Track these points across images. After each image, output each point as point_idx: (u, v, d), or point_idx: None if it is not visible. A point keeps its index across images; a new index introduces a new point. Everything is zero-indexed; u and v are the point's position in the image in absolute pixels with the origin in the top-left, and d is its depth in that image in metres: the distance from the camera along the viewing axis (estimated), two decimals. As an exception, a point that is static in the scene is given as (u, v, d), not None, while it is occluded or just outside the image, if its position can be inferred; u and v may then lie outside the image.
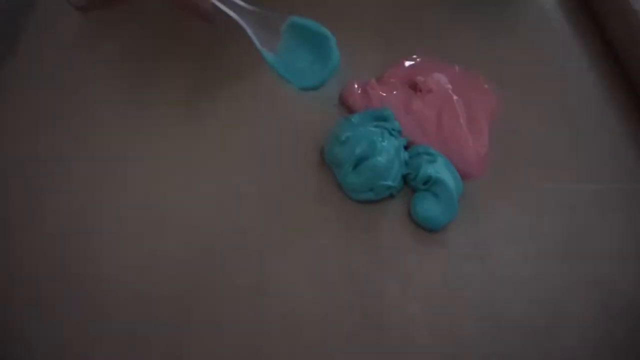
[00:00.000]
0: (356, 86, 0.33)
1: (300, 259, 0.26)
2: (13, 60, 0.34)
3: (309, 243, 0.27)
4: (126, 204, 0.28)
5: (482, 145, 0.30)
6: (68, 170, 0.29)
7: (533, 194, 0.29)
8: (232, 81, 0.33)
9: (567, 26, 0.37)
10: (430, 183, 0.28)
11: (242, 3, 0.26)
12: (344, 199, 0.29)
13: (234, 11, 0.26)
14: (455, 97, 0.32)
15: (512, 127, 0.32)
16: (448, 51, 0.35)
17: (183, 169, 0.29)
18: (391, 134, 0.30)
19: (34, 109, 0.32)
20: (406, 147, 0.30)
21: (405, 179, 0.29)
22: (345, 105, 0.32)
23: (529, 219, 0.28)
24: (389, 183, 0.28)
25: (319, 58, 0.28)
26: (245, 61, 0.34)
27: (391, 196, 0.29)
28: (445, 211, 0.28)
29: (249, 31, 0.26)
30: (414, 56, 0.35)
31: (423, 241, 0.27)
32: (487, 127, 0.31)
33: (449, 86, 0.33)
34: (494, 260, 0.27)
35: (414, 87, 0.33)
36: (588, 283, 0.26)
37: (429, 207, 0.28)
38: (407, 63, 0.34)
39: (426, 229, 0.28)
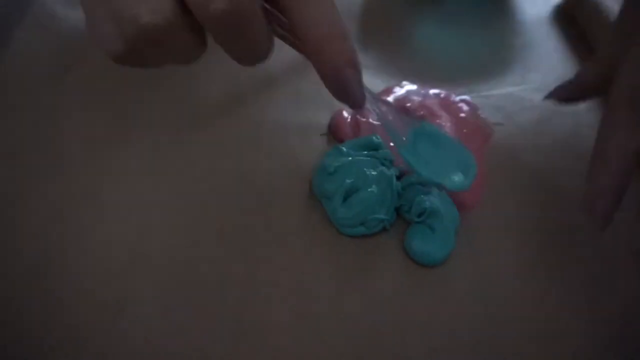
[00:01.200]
0: (346, 114, 0.32)
1: (287, 299, 0.25)
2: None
3: (296, 281, 0.25)
4: (101, 238, 0.26)
5: (478, 175, 0.29)
6: (42, 198, 0.27)
7: (533, 223, 0.28)
8: (217, 111, 0.32)
9: (558, 49, 0.37)
10: (425, 215, 0.27)
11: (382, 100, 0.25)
12: (335, 233, 0.27)
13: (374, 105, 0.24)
14: (448, 124, 0.31)
15: (508, 155, 0.31)
16: (439, 76, 0.35)
17: (163, 199, 0.28)
18: (382, 164, 0.28)
19: (7, 135, 0.30)
20: (399, 177, 0.28)
21: (398, 211, 0.28)
22: (335, 135, 0.31)
23: (529, 251, 0.27)
24: (381, 216, 0.26)
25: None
26: (230, 92, 0.33)
27: (384, 229, 0.27)
28: (442, 245, 0.26)
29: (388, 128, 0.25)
30: (404, 82, 0.34)
31: (419, 278, 0.25)
32: (482, 154, 0.30)
33: (442, 113, 0.32)
34: (494, 298, 0.25)
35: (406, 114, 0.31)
36: (596, 322, 0.24)
37: (425, 242, 0.26)
38: (398, 89, 0.33)
39: (422, 264, 0.26)
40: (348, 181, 0.27)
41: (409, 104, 0.32)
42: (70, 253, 0.26)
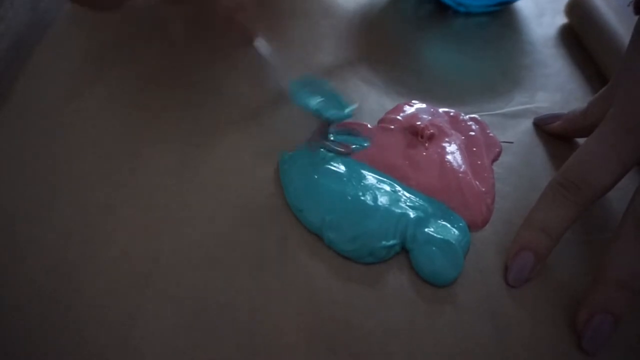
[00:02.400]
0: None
1: (294, 317, 0.24)
2: (3, 109, 0.33)
3: (303, 300, 0.25)
4: (114, 253, 0.26)
5: (488, 193, 0.29)
6: (51, 220, 0.28)
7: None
8: (229, 125, 0.32)
9: (565, 68, 0.37)
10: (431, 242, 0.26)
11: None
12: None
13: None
14: (458, 143, 0.31)
15: (517, 173, 0.31)
16: (448, 95, 0.35)
17: (175, 214, 0.28)
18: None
19: (18, 155, 0.31)
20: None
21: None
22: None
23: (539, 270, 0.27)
24: (390, 243, 0.26)
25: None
26: (242, 106, 0.33)
27: (396, 253, 0.27)
28: (452, 265, 0.26)
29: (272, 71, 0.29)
30: (414, 101, 0.34)
31: (429, 298, 0.25)
32: (492, 174, 0.30)
33: (452, 132, 0.32)
34: (506, 319, 0.25)
35: (414, 133, 0.32)
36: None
37: (433, 262, 0.26)
38: (407, 108, 0.34)
39: (432, 284, 0.26)
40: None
41: (418, 122, 0.32)
42: (83, 268, 0.26)
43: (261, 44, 0.27)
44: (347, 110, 0.30)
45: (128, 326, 0.24)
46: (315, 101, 0.30)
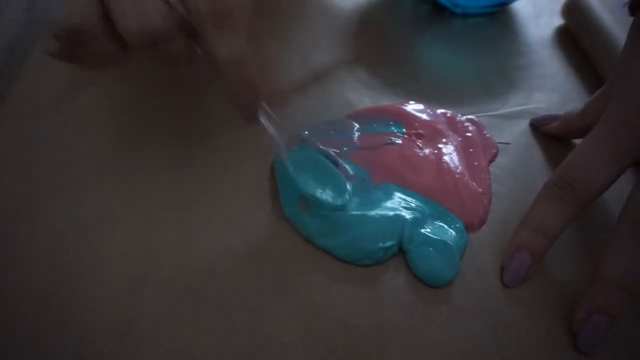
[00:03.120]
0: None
1: (292, 318, 0.25)
2: (1, 109, 0.33)
3: (302, 301, 0.25)
4: (111, 254, 0.26)
5: (484, 194, 0.29)
6: (49, 220, 0.28)
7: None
8: (227, 128, 0.32)
9: (562, 69, 0.37)
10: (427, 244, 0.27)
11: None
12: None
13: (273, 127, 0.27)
14: (454, 144, 0.31)
15: (514, 174, 0.31)
16: (445, 96, 0.35)
17: (173, 215, 0.28)
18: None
19: (16, 155, 0.31)
20: None
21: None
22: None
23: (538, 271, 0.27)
24: (387, 244, 0.26)
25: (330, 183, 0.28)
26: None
27: (393, 255, 0.27)
28: (449, 265, 0.26)
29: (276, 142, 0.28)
30: (411, 102, 0.34)
31: (427, 299, 0.25)
32: (489, 175, 0.30)
33: (449, 132, 0.32)
34: (503, 319, 0.25)
35: (410, 134, 0.32)
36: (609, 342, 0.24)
37: (430, 262, 0.26)
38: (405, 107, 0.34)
39: (430, 285, 0.26)
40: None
41: (416, 123, 0.32)
42: (82, 268, 0.26)
43: (265, 120, 0.27)
44: (341, 200, 0.28)
45: (126, 325, 0.24)
46: (311, 185, 0.28)
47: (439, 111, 0.34)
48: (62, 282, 0.25)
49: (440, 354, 0.24)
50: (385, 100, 0.35)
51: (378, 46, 0.39)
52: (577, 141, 0.32)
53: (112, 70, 0.27)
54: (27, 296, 0.25)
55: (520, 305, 0.25)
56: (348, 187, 0.28)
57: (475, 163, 0.31)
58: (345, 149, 0.31)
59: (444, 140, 0.32)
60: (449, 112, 0.34)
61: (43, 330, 0.24)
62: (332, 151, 0.30)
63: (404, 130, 0.32)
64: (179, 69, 0.25)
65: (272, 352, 0.23)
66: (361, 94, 0.35)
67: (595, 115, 0.28)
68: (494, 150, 0.32)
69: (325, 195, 0.27)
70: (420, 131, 0.32)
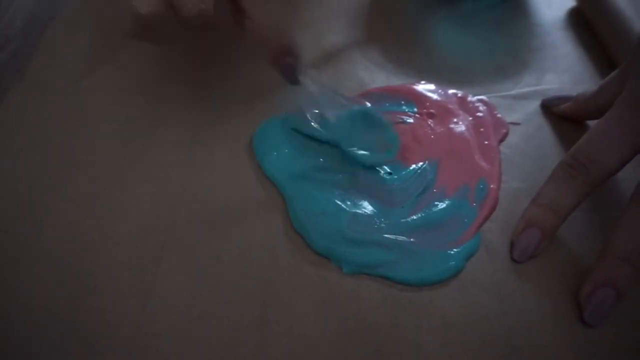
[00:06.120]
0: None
1: (305, 289, 0.25)
2: (19, 85, 0.34)
3: (315, 272, 0.26)
4: (130, 228, 0.27)
5: (495, 173, 0.30)
6: (68, 194, 0.28)
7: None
8: (243, 107, 0.33)
9: (574, 51, 0.37)
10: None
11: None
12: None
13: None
14: (465, 123, 0.32)
15: (524, 154, 0.31)
16: (457, 77, 0.35)
17: (190, 190, 0.29)
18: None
19: (34, 130, 0.32)
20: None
21: None
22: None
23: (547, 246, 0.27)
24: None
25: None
26: (254, 89, 0.34)
27: None
28: (434, 264, 0.26)
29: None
30: (422, 82, 0.34)
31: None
32: (499, 154, 0.31)
33: (459, 112, 0.32)
34: (510, 293, 0.25)
35: (421, 113, 0.32)
36: (619, 332, 0.25)
37: (413, 270, 0.26)
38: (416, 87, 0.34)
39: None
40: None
41: (427, 103, 0.32)
42: (100, 241, 0.27)
43: (309, 81, 0.30)
44: (391, 153, 0.30)
45: (144, 296, 0.25)
46: (361, 145, 0.30)
47: (450, 91, 0.34)
48: (82, 252, 0.26)
49: (448, 326, 0.24)
50: (397, 80, 0.35)
51: (390, 27, 0.39)
52: (589, 122, 0.32)
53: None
54: (49, 264, 0.26)
55: (529, 279, 0.26)
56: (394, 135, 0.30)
57: (486, 142, 0.31)
58: None
59: (454, 119, 0.32)
60: (460, 92, 0.34)
61: (64, 298, 0.25)
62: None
63: (415, 109, 0.33)
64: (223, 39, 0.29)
65: (285, 320, 0.24)
66: (373, 74, 0.35)
67: (608, 97, 0.28)
68: (505, 130, 0.32)
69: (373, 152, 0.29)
70: (431, 111, 0.32)
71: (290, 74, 0.29)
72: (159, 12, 0.26)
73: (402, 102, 0.33)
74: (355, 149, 0.29)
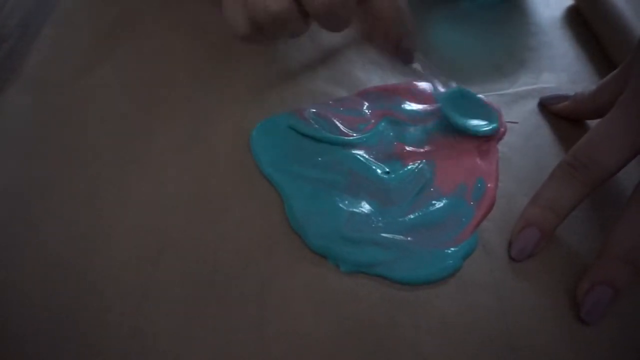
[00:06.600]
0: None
1: (303, 289, 0.25)
2: (15, 84, 0.33)
3: (313, 272, 0.26)
4: (127, 226, 0.27)
5: (493, 172, 0.30)
6: (64, 193, 0.28)
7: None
8: (240, 104, 0.33)
9: (571, 49, 0.37)
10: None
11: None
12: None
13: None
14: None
15: (522, 153, 0.31)
16: (455, 75, 0.35)
17: (186, 189, 0.29)
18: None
19: (30, 129, 0.31)
20: None
21: None
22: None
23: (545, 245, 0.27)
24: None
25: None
26: (253, 86, 0.34)
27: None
28: (430, 263, 0.26)
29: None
30: (420, 81, 0.34)
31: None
32: (497, 153, 0.31)
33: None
34: (508, 292, 0.25)
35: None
36: (621, 330, 0.25)
37: (411, 269, 0.26)
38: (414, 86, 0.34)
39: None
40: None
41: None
42: (97, 239, 0.27)
43: (418, 64, 0.31)
44: (494, 126, 0.31)
45: (143, 295, 0.25)
46: (465, 118, 0.31)
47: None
48: (80, 252, 0.26)
49: (446, 325, 0.24)
50: (394, 79, 0.35)
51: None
52: (587, 122, 0.32)
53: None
54: (46, 264, 0.26)
55: (527, 278, 0.26)
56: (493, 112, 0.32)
57: (484, 141, 0.31)
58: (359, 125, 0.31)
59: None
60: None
61: (61, 299, 0.25)
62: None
63: (415, 109, 0.33)
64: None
65: (283, 320, 0.24)
66: (370, 73, 0.35)
67: (607, 97, 0.28)
68: (502, 129, 0.32)
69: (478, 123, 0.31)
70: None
71: (407, 56, 0.30)
72: (288, 7, 0.24)
73: (400, 101, 0.33)
74: (467, 120, 0.31)
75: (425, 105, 0.33)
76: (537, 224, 0.26)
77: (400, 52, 0.29)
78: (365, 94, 0.34)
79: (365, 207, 0.28)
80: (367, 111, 0.32)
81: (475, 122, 0.31)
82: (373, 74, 0.35)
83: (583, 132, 0.28)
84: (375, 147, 0.30)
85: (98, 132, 0.31)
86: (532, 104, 0.34)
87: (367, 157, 0.30)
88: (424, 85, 0.34)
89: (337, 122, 0.31)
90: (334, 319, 0.24)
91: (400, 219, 0.27)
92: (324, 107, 0.32)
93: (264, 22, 0.25)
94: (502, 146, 0.31)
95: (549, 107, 0.33)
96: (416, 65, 0.31)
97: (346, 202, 0.28)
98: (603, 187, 0.27)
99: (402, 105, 0.33)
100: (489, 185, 0.29)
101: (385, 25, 0.28)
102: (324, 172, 0.29)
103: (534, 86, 0.35)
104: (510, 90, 0.34)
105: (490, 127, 0.31)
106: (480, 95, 0.32)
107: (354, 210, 0.27)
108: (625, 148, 0.25)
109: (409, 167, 0.30)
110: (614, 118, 0.26)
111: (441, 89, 0.31)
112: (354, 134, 0.31)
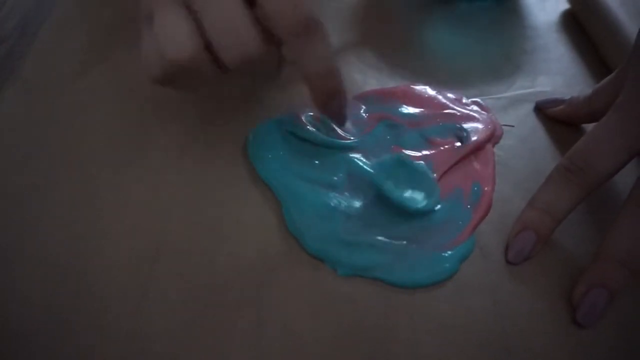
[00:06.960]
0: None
1: (300, 291, 0.25)
2: (13, 86, 0.33)
3: (310, 275, 0.26)
4: (123, 229, 0.27)
5: (489, 175, 0.30)
6: (61, 196, 0.28)
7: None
8: (239, 106, 0.33)
9: (567, 53, 0.37)
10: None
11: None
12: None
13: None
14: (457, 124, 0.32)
15: (518, 156, 0.31)
16: (451, 78, 0.35)
17: (182, 194, 0.29)
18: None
19: (27, 132, 0.31)
20: None
21: None
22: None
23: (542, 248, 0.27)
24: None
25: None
26: (250, 90, 0.34)
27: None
28: (428, 266, 0.26)
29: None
30: (417, 84, 0.35)
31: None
32: (493, 156, 0.31)
33: (450, 111, 0.32)
34: (504, 295, 0.26)
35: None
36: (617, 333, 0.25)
37: (407, 272, 0.26)
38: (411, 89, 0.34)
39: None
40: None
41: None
42: (94, 242, 0.27)
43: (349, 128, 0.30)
44: (428, 201, 0.28)
45: (140, 297, 0.25)
46: (400, 190, 0.28)
47: (444, 93, 0.34)
48: (77, 253, 0.26)
49: (441, 327, 0.24)
50: (391, 83, 0.35)
51: (384, 28, 0.39)
52: (583, 126, 0.33)
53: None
54: (43, 265, 0.26)
55: (523, 282, 0.26)
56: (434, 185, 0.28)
57: (480, 146, 0.31)
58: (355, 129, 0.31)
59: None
60: (454, 94, 0.34)
61: (59, 300, 0.25)
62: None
63: (409, 111, 0.33)
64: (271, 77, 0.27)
65: (280, 323, 0.24)
66: (368, 76, 0.35)
67: (603, 101, 0.28)
68: (498, 133, 0.32)
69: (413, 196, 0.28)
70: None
71: (338, 116, 0.29)
72: (195, 57, 0.22)
73: (397, 104, 0.33)
74: (401, 193, 0.28)
75: (422, 109, 0.33)
76: (534, 227, 0.26)
77: (328, 112, 0.28)
78: (363, 97, 0.34)
79: (363, 210, 0.28)
80: (364, 114, 0.32)
81: (409, 194, 0.28)
82: (370, 77, 0.35)
83: (579, 136, 0.28)
84: (373, 151, 0.30)
85: (96, 134, 0.31)
86: (528, 108, 0.34)
87: (364, 160, 0.30)
88: (420, 88, 0.34)
89: (334, 126, 0.31)
90: (332, 322, 0.24)
91: (398, 223, 0.27)
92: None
93: (169, 70, 0.23)
94: (498, 150, 0.32)
95: (544, 111, 0.33)
96: (348, 127, 0.30)
97: (343, 205, 0.28)
98: (599, 191, 0.27)
99: (400, 109, 0.33)
100: (485, 188, 0.29)
101: (312, 85, 0.26)
102: (321, 176, 0.29)
103: (530, 90, 0.35)
104: (507, 94, 0.35)
105: (425, 203, 0.27)
106: (420, 162, 0.29)
107: (351, 213, 0.27)
108: (621, 152, 0.26)
109: None
110: (610, 122, 0.26)
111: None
112: (351, 138, 0.31)
